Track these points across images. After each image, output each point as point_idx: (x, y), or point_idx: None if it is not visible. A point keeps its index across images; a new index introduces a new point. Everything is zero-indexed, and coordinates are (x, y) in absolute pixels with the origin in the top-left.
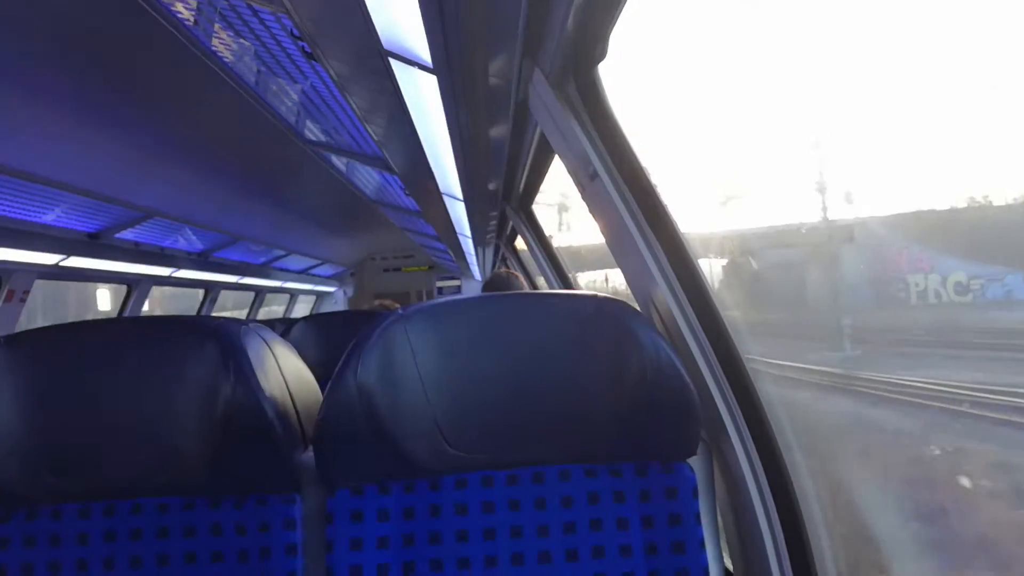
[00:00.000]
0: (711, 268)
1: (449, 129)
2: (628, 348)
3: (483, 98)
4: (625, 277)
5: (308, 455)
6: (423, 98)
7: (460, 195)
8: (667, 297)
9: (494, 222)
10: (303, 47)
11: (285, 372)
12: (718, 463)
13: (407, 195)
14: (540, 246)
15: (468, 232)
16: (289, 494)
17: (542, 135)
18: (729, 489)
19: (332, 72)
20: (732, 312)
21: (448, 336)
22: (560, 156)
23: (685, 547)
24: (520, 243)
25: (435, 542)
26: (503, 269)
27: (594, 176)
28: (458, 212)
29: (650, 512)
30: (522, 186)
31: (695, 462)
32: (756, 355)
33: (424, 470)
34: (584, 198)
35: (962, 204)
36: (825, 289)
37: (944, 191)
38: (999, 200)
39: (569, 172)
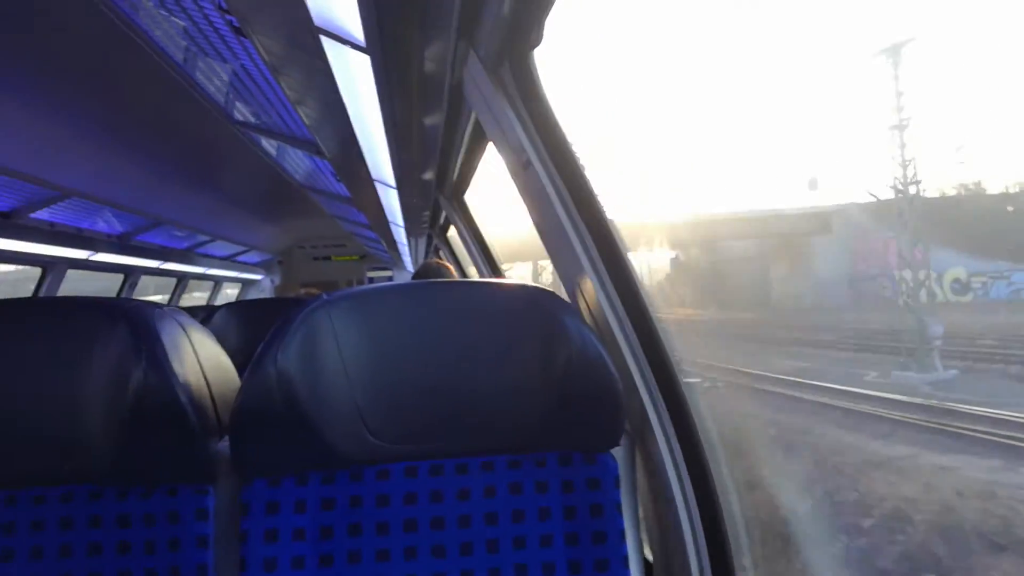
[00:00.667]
0: (642, 263)
1: (382, 112)
2: (555, 338)
3: (417, 80)
4: (555, 267)
5: (224, 444)
6: (355, 79)
7: (393, 182)
8: (596, 288)
9: (427, 211)
10: (231, 21)
11: (201, 358)
12: (641, 454)
13: (338, 181)
14: (473, 237)
15: (401, 221)
16: (202, 484)
17: (476, 122)
18: (651, 480)
19: (261, 49)
20: (702, 311)
21: (373, 323)
22: (494, 143)
23: (606, 537)
24: (453, 233)
25: (354, 534)
26: (434, 259)
27: (527, 164)
28: (391, 200)
29: (572, 503)
30: (456, 174)
31: (618, 453)
32: (776, 373)
33: (345, 460)
34: (517, 186)
35: (951, 191)
36: (795, 286)
37: (930, 177)
38: (993, 187)
39: (503, 159)
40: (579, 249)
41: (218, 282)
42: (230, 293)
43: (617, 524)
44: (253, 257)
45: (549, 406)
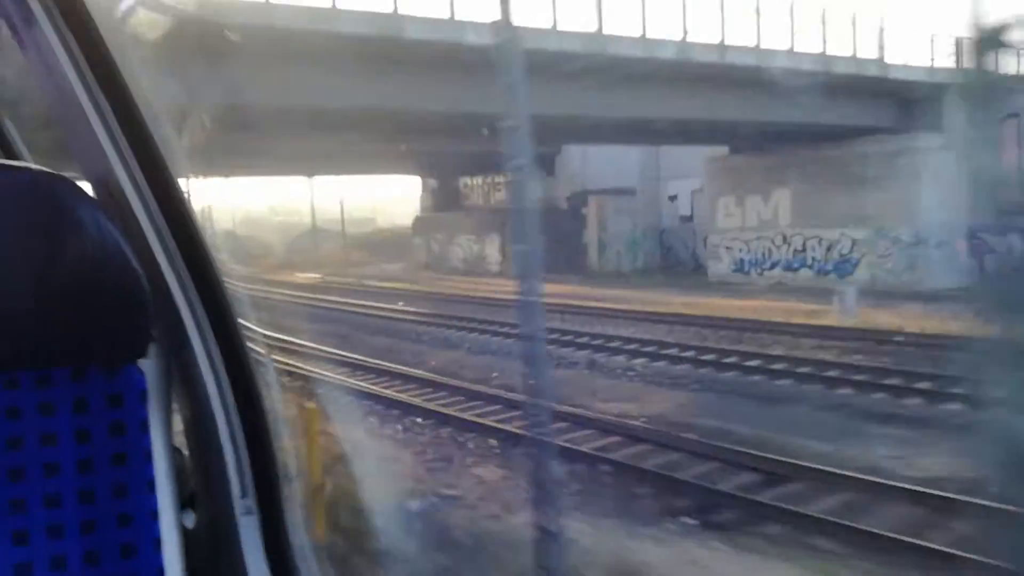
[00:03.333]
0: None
1: None
2: (65, 233)
3: None
4: (76, 156)
5: None
6: None
7: None
8: (122, 178)
9: None
10: None
11: None
12: (177, 364)
13: None
14: None
15: None
16: None
17: None
18: (188, 393)
19: None
20: None
21: None
22: None
23: (128, 459)
24: None
25: None
26: None
27: (30, 20)
28: None
29: (86, 424)
30: None
31: (147, 365)
32: None
33: None
34: (23, 53)
35: None
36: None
37: None
38: None
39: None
40: (101, 132)
41: None
42: None
43: (142, 443)
44: None
45: (55, 312)
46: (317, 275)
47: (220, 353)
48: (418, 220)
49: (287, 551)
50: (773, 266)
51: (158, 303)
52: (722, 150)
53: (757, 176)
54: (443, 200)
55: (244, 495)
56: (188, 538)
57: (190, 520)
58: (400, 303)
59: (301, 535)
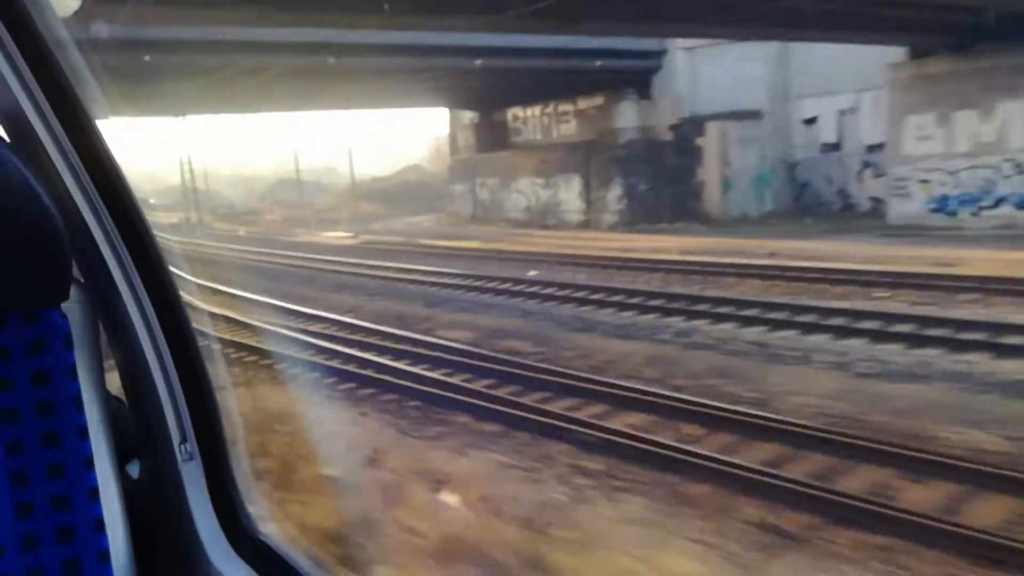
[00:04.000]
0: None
1: None
2: None
3: None
4: None
5: None
6: None
7: None
8: (33, 119)
9: None
10: None
11: None
12: (105, 307)
13: None
14: None
15: None
16: None
17: None
18: (119, 337)
19: None
20: None
21: None
22: None
23: (54, 407)
24: None
25: None
26: None
27: None
28: None
29: (8, 373)
30: None
31: (70, 308)
32: None
33: None
34: None
35: None
36: None
37: None
38: None
39: None
40: (8, 74)
41: None
42: None
43: (69, 391)
44: None
45: None
46: (347, 234)
47: (148, 294)
48: (457, 163)
49: (232, 494)
50: (998, 203)
51: (79, 245)
52: (896, 52)
53: (970, 85)
54: (487, 137)
55: (184, 441)
56: (132, 488)
57: (135, 469)
58: (531, 272)
59: (246, 477)
